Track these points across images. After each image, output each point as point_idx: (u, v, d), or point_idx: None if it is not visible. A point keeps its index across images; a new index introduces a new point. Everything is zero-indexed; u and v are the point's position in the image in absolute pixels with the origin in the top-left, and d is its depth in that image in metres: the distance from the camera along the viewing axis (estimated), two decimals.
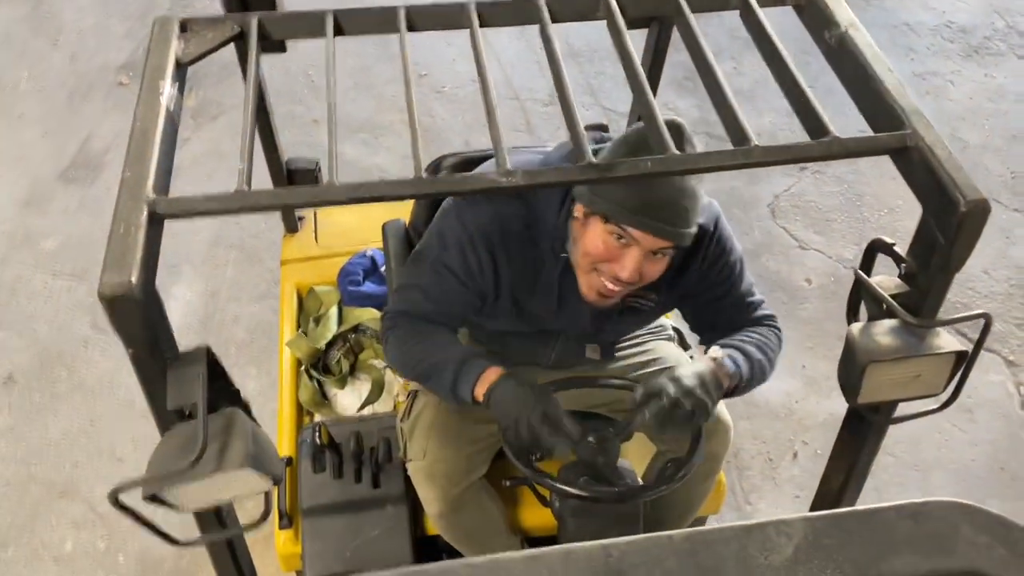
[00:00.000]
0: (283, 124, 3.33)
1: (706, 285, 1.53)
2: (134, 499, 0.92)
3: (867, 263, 1.09)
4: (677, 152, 0.98)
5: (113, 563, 2.34)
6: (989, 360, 2.88)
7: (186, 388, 0.89)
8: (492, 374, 1.43)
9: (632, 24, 1.21)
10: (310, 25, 1.16)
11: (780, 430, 2.73)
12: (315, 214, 2.33)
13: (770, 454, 2.69)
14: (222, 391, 0.96)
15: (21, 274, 3.02)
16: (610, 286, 1.38)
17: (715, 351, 1.46)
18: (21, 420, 2.63)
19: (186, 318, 2.92)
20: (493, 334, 1.66)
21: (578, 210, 1.39)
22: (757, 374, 1.49)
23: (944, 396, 1.06)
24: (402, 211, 1.89)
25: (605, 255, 1.35)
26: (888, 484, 2.60)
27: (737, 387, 1.47)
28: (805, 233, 3.26)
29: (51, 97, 3.62)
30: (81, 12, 3.98)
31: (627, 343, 1.75)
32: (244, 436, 0.88)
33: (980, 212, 0.93)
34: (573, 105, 1.03)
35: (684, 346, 1.87)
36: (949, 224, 0.95)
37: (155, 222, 0.92)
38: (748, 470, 2.64)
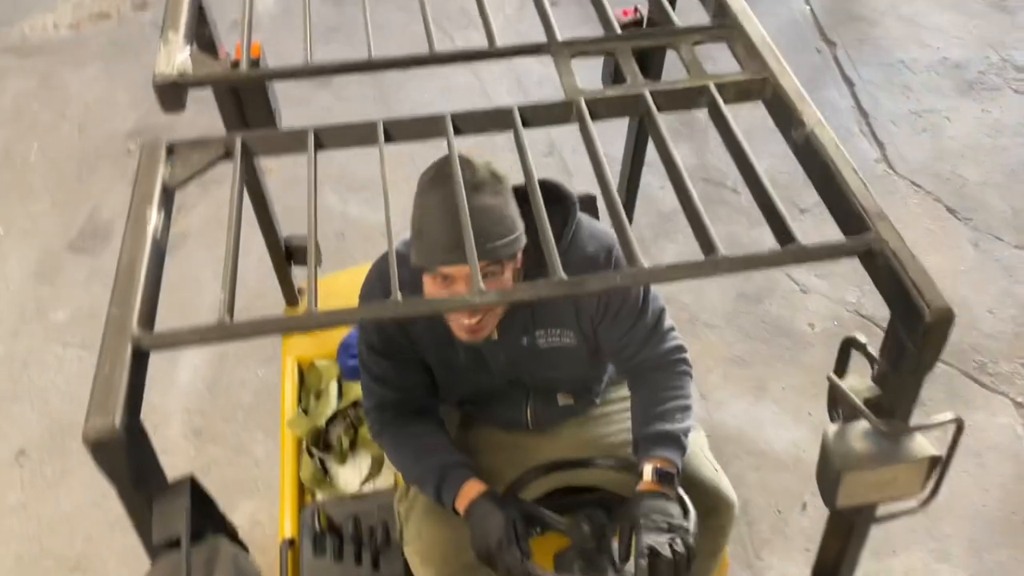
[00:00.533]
0: (286, 188, 3.40)
1: (609, 316, 1.58)
2: None
3: (842, 361, 1.10)
4: (645, 266, 1.00)
5: None
6: (997, 402, 2.86)
7: (171, 522, 0.91)
8: (471, 490, 1.52)
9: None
10: (292, 142, 1.19)
11: (788, 481, 2.72)
12: (314, 286, 2.36)
13: (779, 506, 2.68)
14: (208, 518, 0.98)
15: (32, 346, 3.07)
16: (465, 321, 1.46)
17: (650, 473, 1.54)
18: (33, 496, 2.67)
19: (194, 383, 2.96)
20: (467, 401, 1.75)
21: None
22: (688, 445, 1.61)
23: (923, 495, 1.07)
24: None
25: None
26: (897, 532, 2.58)
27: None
28: (806, 277, 3.26)
29: (60, 168, 3.70)
30: (87, 84, 4.08)
31: (614, 386, 1.81)
32: (226, 569, 0.91)
33: (944, 321, 0.94)
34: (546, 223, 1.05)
35: None
36: (916, 330, 0.96)
37: (140, 358, 0.95)
38: (758, 524, 2.63)
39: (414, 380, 1.64)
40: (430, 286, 1.42)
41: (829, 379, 1.04)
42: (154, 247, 1.06)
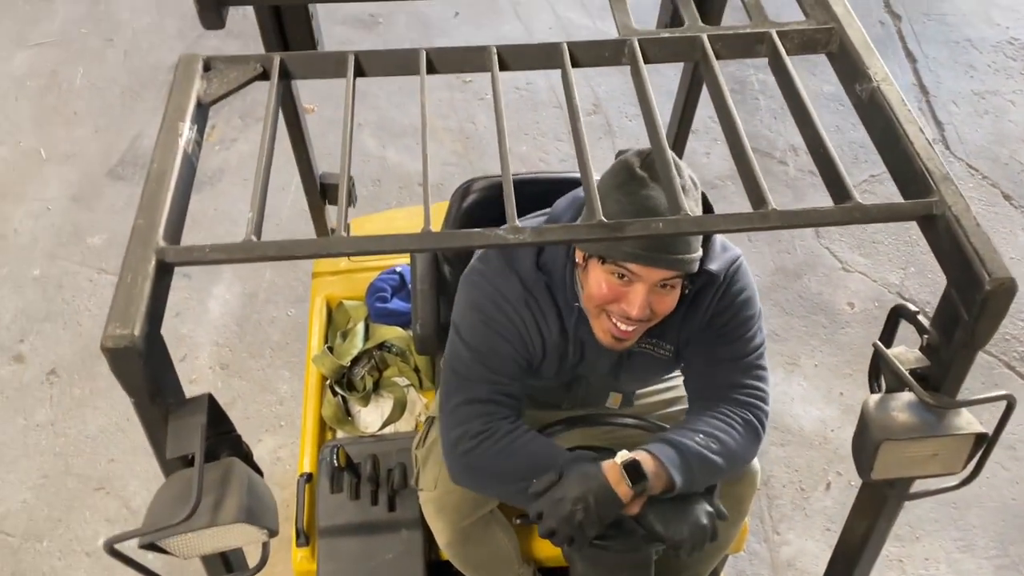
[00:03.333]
0: (327, 128, 3.38)
1: (709, 334, 1.46)
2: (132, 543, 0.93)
3: (889, 330, 1.05)
4: (690, 214, 0.96)
5: (142, 560, 2.39)
6: None
7: (185, 438, 0.90)
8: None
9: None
10: (332, 66, 1.16)
11: (814, 459, 2.67)
12: (347, 227, 2.34)
13: (802, 483, 2.63)
14: (223, 438, 0.97)
15: (68, 269, 3.10)
16: (622, 327, 1.35)
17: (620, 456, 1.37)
18: (61, 414, 2.71)
19: (224, 318, 2.97)
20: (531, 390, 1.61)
21: (578, 255, 1.37)
22: (699, 474, 1.40)
23: (964, 474, 1.02)
24: (436, 227, 1.89)
25: (610, 296, 1.32)
26: (923, 520, 2.53)
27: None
28: (850, 255, 3.18)
29: (104, 95, 3.70)
30: (136, 12, 4.06)
31: (648, 388, 1.73)
32: (240, 489, 0.89)
33: (1006, 292, 0.89)
34: (588, 160, 1.01)
35: None
36: (973, 301, 0.91)
37: (163, 271, 0.93)
38: (778, 499, 2.59)
39: (515, 371, 1.46)
40: (601, 278, 1.31)
41: (875, 346, 0.99)
42: (184, 161, 1.03)
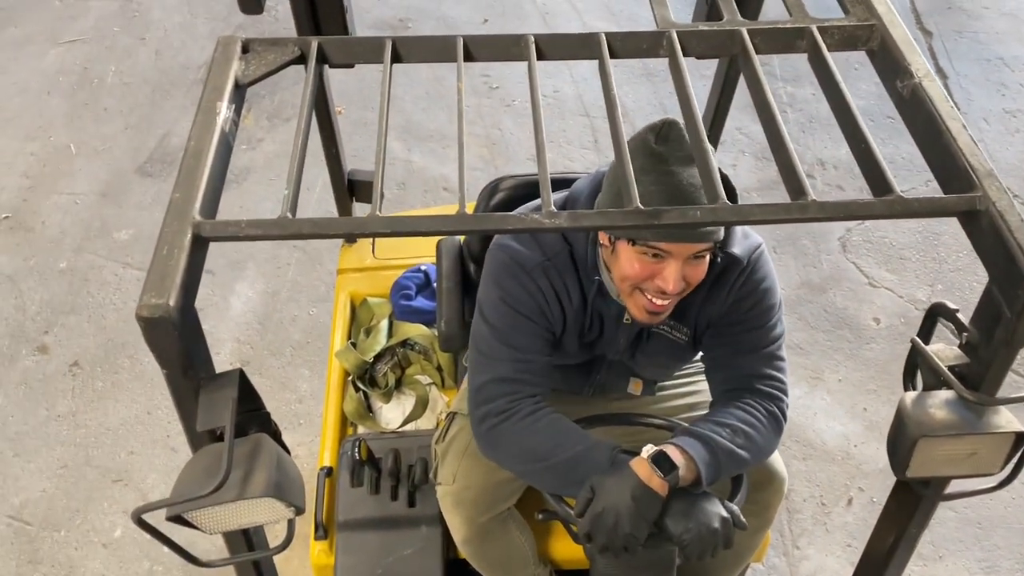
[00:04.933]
0: (354, 130, 3.40)
1: (729, 321, 1.46)
2: (159, 517, 0.92)
3: (927, 328, 1.03)
4: (728, 203, 0.95)
5: (159, 553, 2.40)
6: None
7: (216, 411, 0.90)
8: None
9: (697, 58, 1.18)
10: (369, 51, 1.16)
11: (835, 474, 2.64)
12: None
13: (823, 498, 2.60)
14: (253, 415, 0.96)
15: (94, 263, 3.12)
16: (657, 302, 1.35)
17: (647, 451, 1.36)
18: (82, 406, 2.72)
19: (245, 316, 2.98)
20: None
21: (602, 237, 1.37)
22: (725, 467, 1.39)
23: (1002, 475, 1.00)
24: None
25: (644, 274, 1.32)
26: (945, 540, 2.49)
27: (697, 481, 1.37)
28: (876, 270, 3.15)
29: (135, 92, 3.74)
30: (168, 11, 4.12)
31: (671, 381, 1.71)
32: (269, 464, 0.88)
33: None
34: (625, 147, 1.00)
35: None
36: (1016, 297, 0.90)
37: (199, 244, 0.93)
38: (799, 513, 2.56)
39: (542, 348, 1.46)
40: (634, 258, 1.30)
41: (913, 342, 0.97)
42: (221, 139, 1.04)
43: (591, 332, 1.50)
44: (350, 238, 2.31)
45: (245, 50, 1.15)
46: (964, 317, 1.02)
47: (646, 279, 1.32)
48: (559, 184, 1.66)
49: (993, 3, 4.13)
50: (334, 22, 1.59)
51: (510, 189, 1.79)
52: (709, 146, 1.02)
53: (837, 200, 0.94)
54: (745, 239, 1.44)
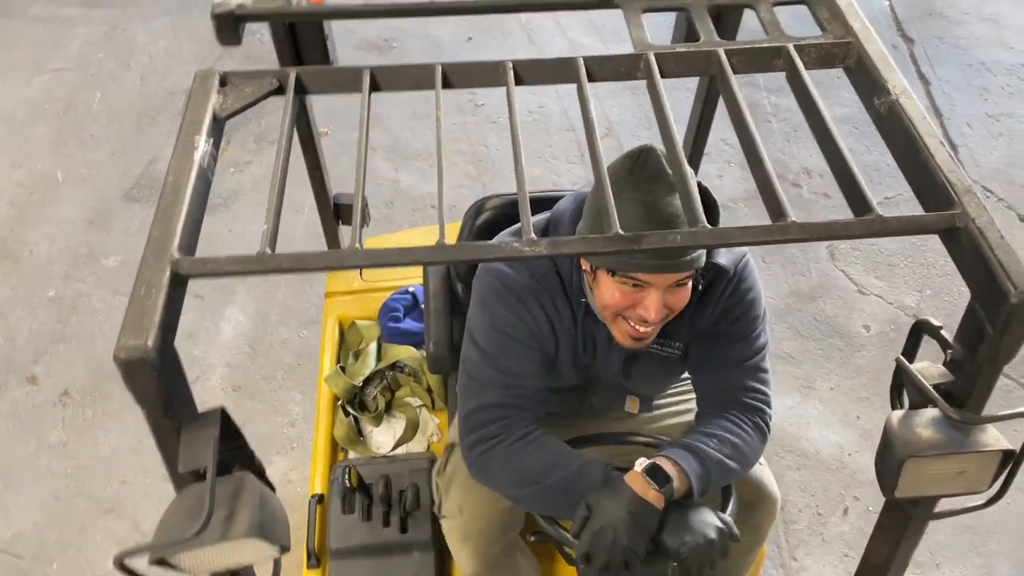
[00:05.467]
0: (340, 151, 3.40)
1: (716, 332, 1.46)
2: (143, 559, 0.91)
3: (911, 345, 1.03)
4: (708, 226, 0.95)
5: None
6: None
7: (198, 451, 0.89)
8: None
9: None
10: (347, 81, 1.16)
11: (830, 483, 2.63)
12: (361, 242, 2.34)
13: (819, 508, 2.59)
14: (236, 452, 0.95)
15: (82, 291, 3.11)
16: (641, 329, 1.35)
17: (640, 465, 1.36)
18: (73, 436, 2.70)
19: (236, 340, 2.97)
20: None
21: (584, 263, 1.37)
22: (715, 478, 1.40)
23: (991, 492, 0.99)
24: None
25: (625, 303, 1.32)
26: (943, 547, 2.48)
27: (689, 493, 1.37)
28: (865, 277, 3.15)
29: (121, 119, 3.74)
30: (153, 36, 4.12)
31: (667, 397, 1.71)
32: (252, 503, 0.88)
33: None
34: (604, 171, 1.00)
35: None
36: (998, 314, 0.89)
37: (177, 282, 0.92)
38: (795, 524, 2.55)
39: (534, 372, 1.45)
40: (614, 288, 1.30)
41: (897, 361, 0.97)
42: (200, 174, 1.03)
43: (586, 354, 1.49)
44: (331, 264, 2.29)
45: (223, 83, 1.15)
46: (948, 333, 1.02)
47: (627, 308, 1.32)
48: (543, 203, 1.66)
49: (973, 8, 4.17)
50: (315, 49, 1.59)
51: (495, 209, 1.79)
52: (689, 169, 1.02)
53: (817, 221, 0.94)
54: (730, 249, 1.44)
